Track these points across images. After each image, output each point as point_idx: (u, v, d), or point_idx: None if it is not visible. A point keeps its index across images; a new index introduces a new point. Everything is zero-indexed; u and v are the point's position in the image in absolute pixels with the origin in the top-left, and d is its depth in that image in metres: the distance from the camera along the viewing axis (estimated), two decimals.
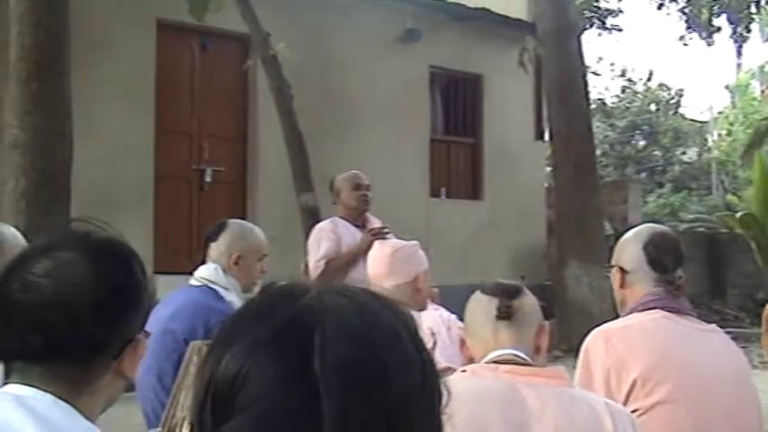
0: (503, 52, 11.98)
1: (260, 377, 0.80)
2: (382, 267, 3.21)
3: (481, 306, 2.13)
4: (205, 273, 3.26)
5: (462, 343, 2.22)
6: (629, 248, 2.71)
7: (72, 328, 1.32)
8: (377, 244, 3.45)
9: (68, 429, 1.29)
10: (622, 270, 2.71)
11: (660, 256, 2.65)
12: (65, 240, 1.38)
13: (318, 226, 5.33)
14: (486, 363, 2.05)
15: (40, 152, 5.50)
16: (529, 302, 2.14)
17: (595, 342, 2.57)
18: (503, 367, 2.01)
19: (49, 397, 1.30)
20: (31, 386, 1.32)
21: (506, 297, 2.10)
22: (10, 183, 5.43)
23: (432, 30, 11.35)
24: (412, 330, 0.89)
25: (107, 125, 8.79)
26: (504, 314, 2.07)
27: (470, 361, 2.12)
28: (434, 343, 3.30)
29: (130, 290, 1.41)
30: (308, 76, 9.79)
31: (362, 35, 10.80)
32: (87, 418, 1.34)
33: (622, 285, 2.72)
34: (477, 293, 2.18)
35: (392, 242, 3.50)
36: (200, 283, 3.23)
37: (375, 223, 5.28)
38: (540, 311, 2.18)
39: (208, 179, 9.91)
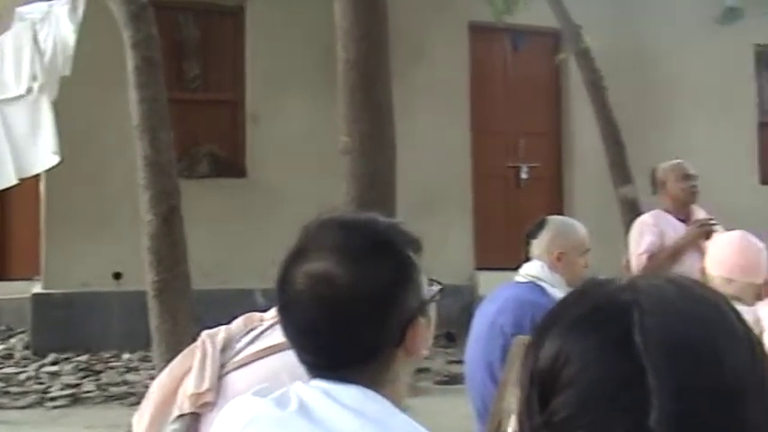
0: None
1: (580, 353, 0.82)
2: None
3: None
4: (531, 270, 3.31)
5: None
6: None
7: (348, 338, 1.32)
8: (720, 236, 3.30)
9: (382, 418, 1.27)
10: None
11: None
12: (319, 247, 1.34)
13: (640, 219, 5.17)
14: None
15: (366, 157, 5.84)
16: None
17: None
18: None
19: (354, 388, 1.30)
20: (334, 380, 1.32)
21: None
22: (342, 187, 5.82)
23: (756, 5, 10.58)
24: (736, 311, 0.87)
25: (426, 128, 9.16)
26: None
27: None
28: (761, 331, 3.10)
29: (397, 279, 1.34)
30: (622, 67, 9.55)
31: (678, 19, 10.33)
32: (395, 404, 1.33)
33: None
34: None
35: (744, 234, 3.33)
36: (525, 280, 3.29)
37: (700, 215, 5.02)
38: None
39: (524, 176, 10.03)
